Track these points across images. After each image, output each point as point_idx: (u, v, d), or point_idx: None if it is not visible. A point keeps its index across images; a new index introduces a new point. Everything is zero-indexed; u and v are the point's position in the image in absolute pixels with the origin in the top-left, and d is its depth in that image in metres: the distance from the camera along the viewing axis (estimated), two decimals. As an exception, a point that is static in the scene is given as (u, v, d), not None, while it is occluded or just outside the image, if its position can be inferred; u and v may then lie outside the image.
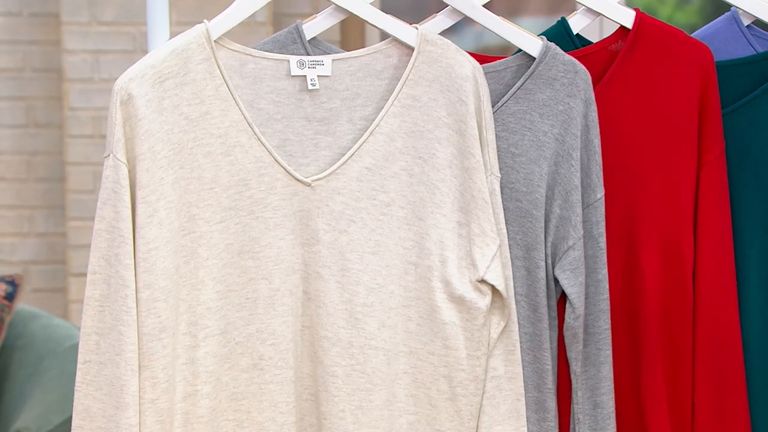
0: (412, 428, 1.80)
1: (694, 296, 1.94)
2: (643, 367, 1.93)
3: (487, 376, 1.81)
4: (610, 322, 1.88)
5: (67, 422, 3.19)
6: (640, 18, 1.95)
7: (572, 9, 2.21)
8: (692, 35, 2.10)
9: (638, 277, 1.93)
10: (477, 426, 1.81)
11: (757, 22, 2.05)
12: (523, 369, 1.85)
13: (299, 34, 1.90)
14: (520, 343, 1.84)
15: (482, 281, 1.78)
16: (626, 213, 1.93)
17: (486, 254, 1.78)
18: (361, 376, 1.78)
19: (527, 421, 1.84)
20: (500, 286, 1.78)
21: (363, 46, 3.60)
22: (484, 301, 1.79)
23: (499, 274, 1.78)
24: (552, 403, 1.86)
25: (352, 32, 3.48)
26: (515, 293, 1.84)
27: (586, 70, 1.85)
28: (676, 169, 1.93)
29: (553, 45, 1.86)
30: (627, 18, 1.96)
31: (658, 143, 1.93)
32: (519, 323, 1.84)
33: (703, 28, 2.11)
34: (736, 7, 1.98)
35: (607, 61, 1.96)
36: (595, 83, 1.92)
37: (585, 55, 1.96)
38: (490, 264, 1.78)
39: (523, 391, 1.82)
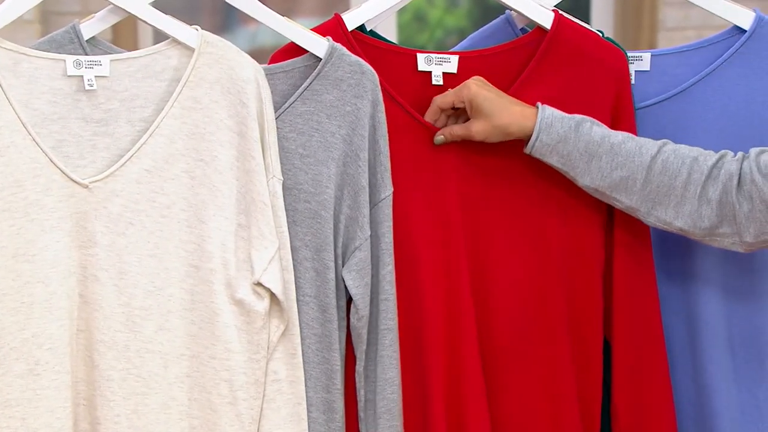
0: None
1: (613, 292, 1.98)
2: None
3: (268, 379, 1.81)
4: (396, 322, 1.88)
5: None
6: (558, 19, 1.97)
7: (346, 9, 2.20)
8: (469, 37, 2.14)
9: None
10: (258, 430, 1.81)
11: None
12: (313, 370, 1.85)
13: (77, 33, 1.87)
14: (310, 344, 1.85)
15: (259, 284, 1.79)
16: (538, 212, 1.96)
17: (263, 257, 1.79)
18: (137, 379, 1.77)
19: (315, 422, 1.85)
20: (276, 290, 1.79)
21: (136, 46, 3.55)
22: (262, 304, 1.79)
23: (276, 277, 1.79)
24: (340, 404, 1.86)
25: (123, 31, 3.42)
26: (304, 294, 1.85)
27: (374, 71, 1.86)
28: None
29: (338, 46, 1.86)
30: (546, 18, 1.97)
31: None
32: (308, 324, 1.85)
33: (480, 30, 2.13)
34: (510, 8, 2.02)
35: (525, 59, 1.97)
36: (512, 82, 1.94)
37: (502, 51, 1.97)
38: (267, 267, 1.79)
39: (304, 395, 1.82)
